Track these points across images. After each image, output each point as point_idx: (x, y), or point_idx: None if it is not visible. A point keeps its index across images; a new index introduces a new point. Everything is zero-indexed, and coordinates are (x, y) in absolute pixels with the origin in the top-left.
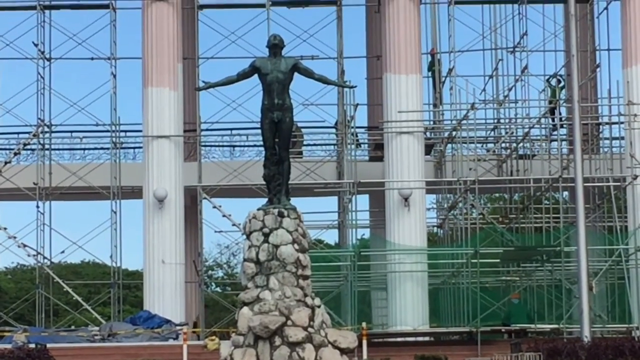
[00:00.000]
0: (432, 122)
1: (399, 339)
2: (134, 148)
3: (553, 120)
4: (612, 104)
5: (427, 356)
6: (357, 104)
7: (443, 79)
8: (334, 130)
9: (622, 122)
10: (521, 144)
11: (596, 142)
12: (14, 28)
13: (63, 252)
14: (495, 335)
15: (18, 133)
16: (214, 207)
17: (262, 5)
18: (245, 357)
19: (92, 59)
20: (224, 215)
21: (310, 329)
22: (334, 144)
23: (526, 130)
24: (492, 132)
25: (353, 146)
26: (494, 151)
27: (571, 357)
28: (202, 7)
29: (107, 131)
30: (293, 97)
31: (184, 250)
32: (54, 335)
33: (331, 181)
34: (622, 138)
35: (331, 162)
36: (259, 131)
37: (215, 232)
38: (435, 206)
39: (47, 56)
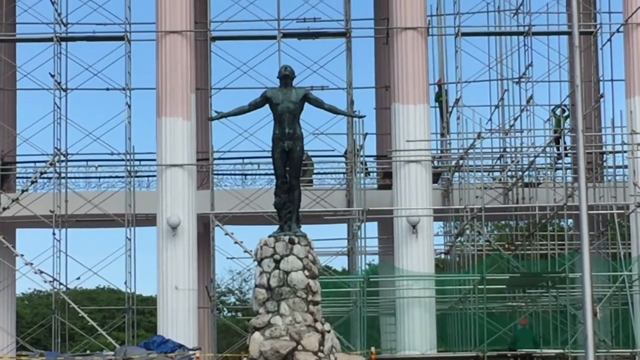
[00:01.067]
0: (439, 151)
1: None
2: (148, 176)
3: (558, 149)
4: (615, 133)
5: None
6: (366, 134)
7: (450, 108)
8: (343, 159)
9: (625, 151)
10: (527, 173)
11: (600, 171)
12: (31, 59)
13: (79, 278)
14: None
15: (35, 162)
16: (226, 234)
17: (273, 37)
18: None
19: (107, 89)
20: (235, 242)
21: (320, 354)
22: (343, 173)
23: (531, 159)
24: (498, 161)
25: (362, 174)
26: (500, 179)
27: None
28: (214, 39)
29: (122, 160)
30: (303, 127)
31: (197, 277)
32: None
33: (341, 209)
34: (626, 167)
35: (341, 190)
36: (270, 160)
37: (227, 258)
38: (442, 233)
39: (64, 87)
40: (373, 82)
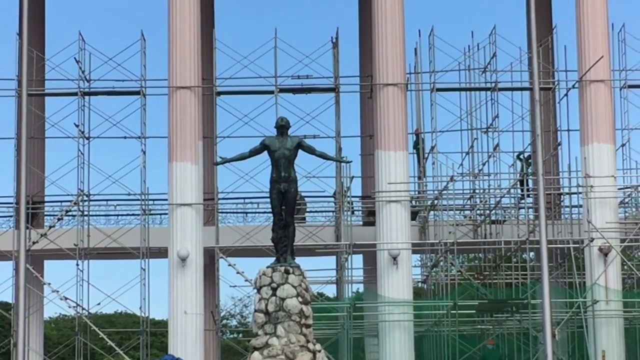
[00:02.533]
0: (416, 192)
1: None
2: (161, 214)
3: (521, 190)
4: (571, 177)
5: None
6: (353, 177)
7: (426, 155)
8: (332, 199)
9: (580, 192)
10: (493, 211)
11: (558, 210)
12: (58, 111)
13: (99, 304)
14: None
15: (61, 201)
16: (229, 265)
17: (271, 92)
18: None
19: (125, 137)
20: (237, 272)
21: None
22: (332, 211)
23: (498, 199)
24: (469, 201)
25: (349, 213)
26: (470, 217)
27: None
28: (219, 93)
29: (138, 200)
30: (297, 171)
31: (203, 302)
32: None
33: (330, 243)
34: (581, 206)
35: (330, 226)
36: (268, 200)
37: (230, 286)
38: (419, 264)
39: (87, 135)
40: (359, 131)
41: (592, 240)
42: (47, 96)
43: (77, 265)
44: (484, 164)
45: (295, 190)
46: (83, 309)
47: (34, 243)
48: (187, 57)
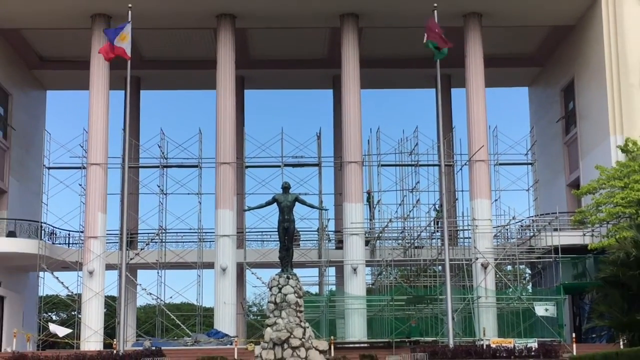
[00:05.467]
0: (369, 228)
1: (350, 345)
2: (210, 241)
3: (434, 228)
4: (464, 220)
5: (366, 355)
6: (329, 219)
7: (374, 205)
8: (316, 232)
9: (469, 229)
10: (416, 240)
11: (456, 240)
12: (147, 177)
13: (171, 297)
14: (402, 343)
15: (148, 233)
16: (252, 273)
17: (279, 166)
18: (268, 355)
19: (188, 194)
20: (257, 278)
21: (303, 339)
22: (316, 240)
23: (419, 233)
24: (401, 234)
25: (326, 241)
26: (402, 244)
27: (443, 356)
28: (247, 167)
29: (196, 232)
30: (295, 215)
31: (236, 296)
32: (166, 342)
33: (315, 260)
34: (469, 238)
35: (314, 249)
36: (277, 233)
37: (253, 287)
38: (370, 273)
39: (165, 192)
40: (333, 190)
41: (476, 259)
42: (140, 168)
43: (158, 273)
44: (410, 212)
45: (294, 227)
46: (161, 300)
47: (131, 259)
48: (228, 143)
